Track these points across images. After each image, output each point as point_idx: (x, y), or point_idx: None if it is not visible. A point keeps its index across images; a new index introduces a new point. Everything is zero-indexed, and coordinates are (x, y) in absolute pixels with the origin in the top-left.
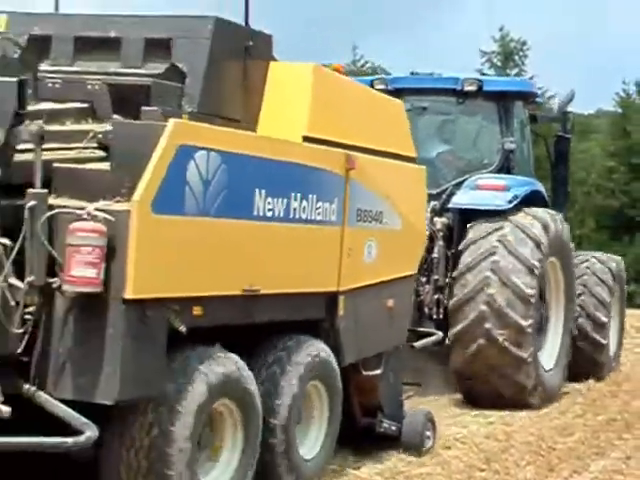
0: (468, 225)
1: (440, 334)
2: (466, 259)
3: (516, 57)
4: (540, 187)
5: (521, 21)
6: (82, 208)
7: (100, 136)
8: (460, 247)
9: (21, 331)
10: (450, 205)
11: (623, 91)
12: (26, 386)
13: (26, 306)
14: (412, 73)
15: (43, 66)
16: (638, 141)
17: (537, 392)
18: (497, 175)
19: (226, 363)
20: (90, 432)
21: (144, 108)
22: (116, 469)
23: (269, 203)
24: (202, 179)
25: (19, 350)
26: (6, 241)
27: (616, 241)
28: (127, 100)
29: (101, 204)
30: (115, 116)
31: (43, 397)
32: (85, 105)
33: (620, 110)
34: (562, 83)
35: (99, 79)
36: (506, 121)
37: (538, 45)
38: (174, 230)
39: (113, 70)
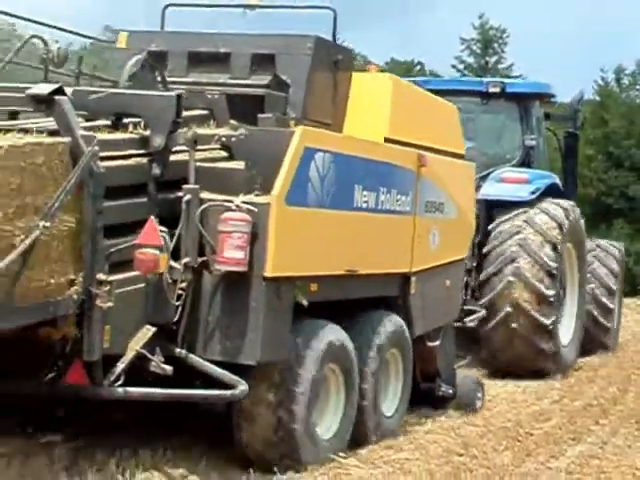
0: (489, 227)
1: (484, 311)
2: (492, 242)
3: (495, 45)
4: (557, 179)
5: (501, 8)
6: (230, 201)
7: (224, 139)
8: (490, 227)
9: (177, 304)
10: (478, 196)
11: (602, 79)
12: (177, 349)
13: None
14: (392, 59)
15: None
16: (615, 130)
17: (554, 360)
18: (520, 169)
19: (333, 333)
20: (243, 387)
21: (260, 115)
22: (248, 419)
23: (364, 196)
24: (320, 176)
25: (175, 319)
26: (163, 228)
27: (593, 229)
28: (242, 107)
29: (245, 197)
30: (231, 121)
31: (195, 358)
32: (206, 112)
33: (598, 98)
34: (541, 71)
35: (217, 90)
36: (526, 120)
37: (518, 33)
38: (300, 219)
39: (223, 81)
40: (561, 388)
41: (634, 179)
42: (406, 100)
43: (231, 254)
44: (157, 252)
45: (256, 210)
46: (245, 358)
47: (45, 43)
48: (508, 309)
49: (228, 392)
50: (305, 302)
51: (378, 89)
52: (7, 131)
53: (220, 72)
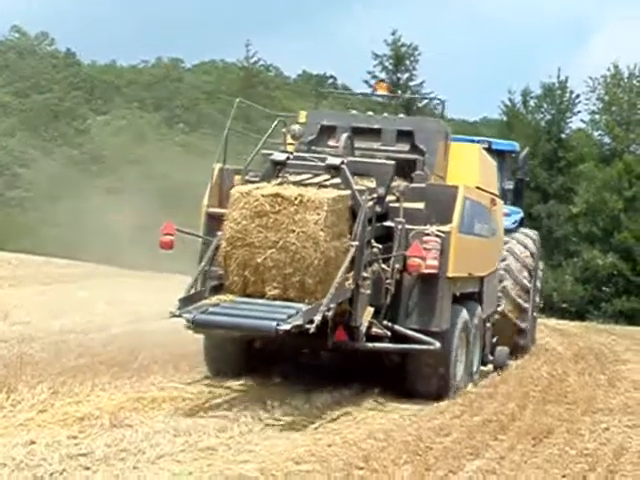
0: None
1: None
2: None
3: (407, 62)
4: (522, 213)
5: (413, 27)
6: (427, 229)
7: (404, 189)
8: None
9: (389, 292)
10: None
11: (509, 100)
12: (384, 321)
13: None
14: (304, 72)
15: (331, 144)
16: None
17: (524, 349)
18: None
19: (464, 314)
20: (438, 343)
21: (415, 173)
22: (419, 369)
23: (477, 226)
24: (468, 213)
25: (385, 302)
26: (379, 245)
27: None
28: (400, 167)
29: (435, 227)
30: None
31: (398, 327)
32: None
33: (505, 119)
34: (449, 89)
35: (383, 155)
36: (504, 169)
37: (428, 51)
38: (461, 241)
39: (376, 147)
40: (462, 403)
41: (538, 199)
42: (484, 160)
43: (431, 262)
44: (420, 261)
45: (444, 235)
46: (435, 326)
47: (285, 124)
48: (496, 317)
49: (432, 346)
50: (458, 293)
51: (470, 153)
52: (306, 185)
53: (373, 141)
